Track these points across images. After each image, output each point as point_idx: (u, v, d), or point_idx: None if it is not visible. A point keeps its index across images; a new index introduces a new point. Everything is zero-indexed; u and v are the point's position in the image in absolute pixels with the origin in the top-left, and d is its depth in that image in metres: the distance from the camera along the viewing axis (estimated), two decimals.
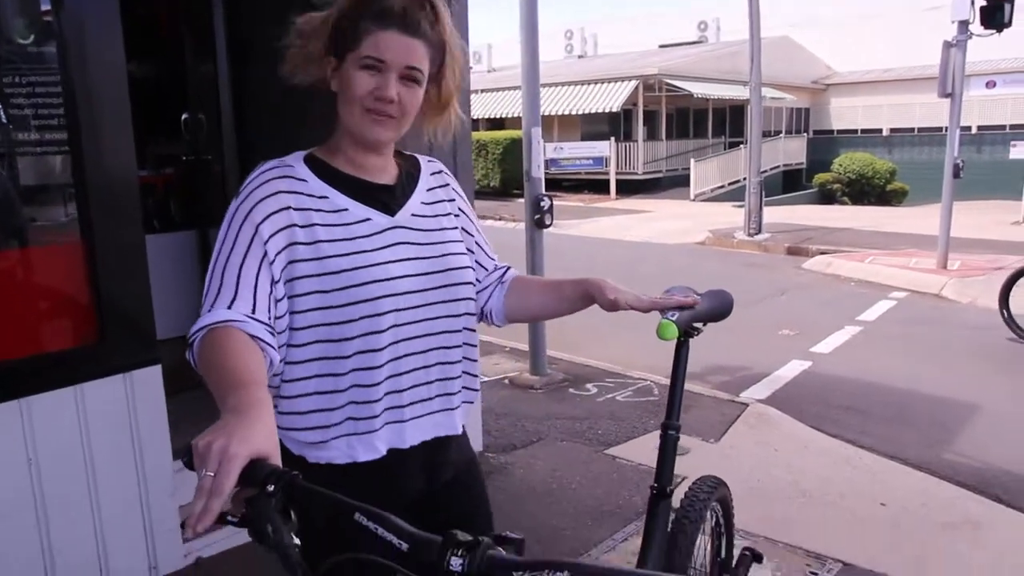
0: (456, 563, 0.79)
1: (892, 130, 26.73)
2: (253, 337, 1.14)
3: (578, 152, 22.27)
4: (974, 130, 24.12)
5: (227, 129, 3.88)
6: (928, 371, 5.64)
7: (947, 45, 8.78)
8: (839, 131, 27.94)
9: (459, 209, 1.47)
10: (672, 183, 21.99)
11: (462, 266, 1.38)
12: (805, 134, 27.33)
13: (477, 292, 1.47)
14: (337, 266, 1.25)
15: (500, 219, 16.04)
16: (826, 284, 9.25)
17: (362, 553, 0.87)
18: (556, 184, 21.75)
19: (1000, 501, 3.53)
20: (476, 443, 3.90)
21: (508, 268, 1.55)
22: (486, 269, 1.51)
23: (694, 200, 20.12)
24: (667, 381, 5.25)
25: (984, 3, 8.38)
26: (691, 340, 1.61)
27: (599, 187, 21.65)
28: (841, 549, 2.95)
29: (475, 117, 22.04)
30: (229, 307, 1.17)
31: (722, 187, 21.11)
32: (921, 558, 2.93)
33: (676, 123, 24.16)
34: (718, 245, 12.74)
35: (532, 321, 1.65)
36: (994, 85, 24.43)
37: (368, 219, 1.30)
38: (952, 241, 9.38)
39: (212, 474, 0.82)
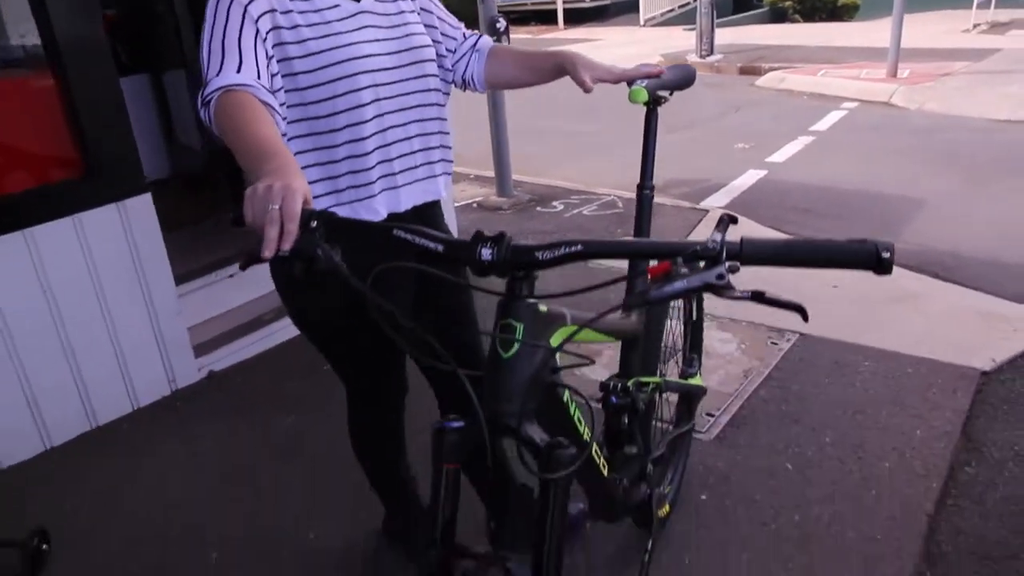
0: (486, 253, 0.94)
1: None
2: (264, 103, 1.23)
3: None
4: None
5: None
6: (876, 173, 5.90)
7: None
8: None
9: None
10: (621, 9, 21.30)
11: (424, 44, 1.51)
12: None
13: (454, 63, 1.60)
14: (318, 47, 1.36)
15: None
16: (779, 99, 9.35)
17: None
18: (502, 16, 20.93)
19: (938, 277, 3.86)
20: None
21: (480, 36, 1.64)
22: (455, 39, 1.61)
23: (644, 25, 19.61)
24: (629, 195, 5.43)
25: None
26: (658, 110, 1.73)
27: (546, 17, 20.90)
28: (798, 322, 3.25)
29: None
30: (238, 71, 1.25)
31: (672, 11, 20.54)
32: (868, 325, 3.25)
33: None
34: None
35: (509, 88, 1.77)
36: None
37: (336, 5, 1.41)
38: (903, 51, 9.44)
39: (278, 206, 0.93)
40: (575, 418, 1.27)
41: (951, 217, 4.83)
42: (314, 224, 0.96)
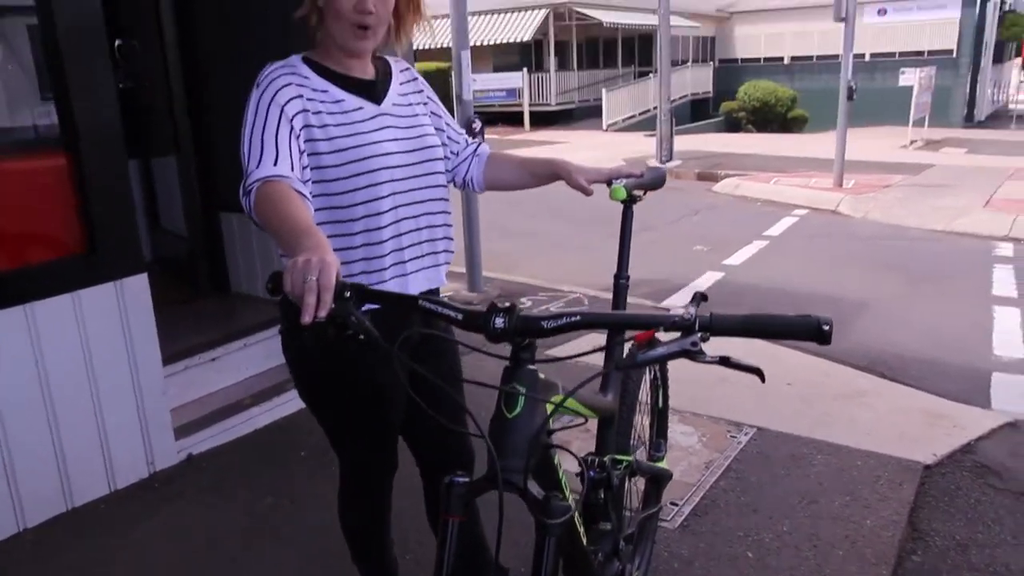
0: (499, 322, 1.08)
1: (793, 58, 27.65)
2: (297, 192, 1.40)
3: (491, 84, 22.22)
4: (867, 57, 25.25)
5: (171, 54, 3.93)
6: (825, 276, 6.26)
7: None
8: (743, 60, 28.71)
9: (427, 98, 1.79)
10: (585, 114, 22.30)
11: (435, 144, 1.70)
12: (711, 63, 27.99)
13: (455, 165, 1.83)
14: (344, 144, 1.54)
15: None
16: (735, 204, 9.86)
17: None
18: None
19: (884, 376, 4.10)
20: None
21: (481, 143, 1.88)
22: (459, 143, 1.84)
23: (607, 130, 20.52)
24: (595, 293, 5.65)
25: None
26: (634, 207, 1.92)
27: (513, 119, 21.75)
28: (756, 417, 3.44)
29: None
30: (275, 165, 1.42)
31: (633, 117, 21.56)
32: (820, 420, 3.45)
33: (587, 53, 24.35)
34: None
35: (506, 190, 1.97)
36: (885, 12, 25.56)
37: (361, 107, 1.59)
38: (847, 163, 10.11)
39: (315, 278, 1.04)
40: (562, 482, 1.39)
41: (895, 320, 5.14)
42: (347, 294, 1.08)
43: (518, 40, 21.24)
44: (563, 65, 23.07)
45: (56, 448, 2.62)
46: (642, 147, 15.30)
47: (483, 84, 22.23)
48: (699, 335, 1.03)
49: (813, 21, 25.39)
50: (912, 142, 15.89)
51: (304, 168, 1.50)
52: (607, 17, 21.52)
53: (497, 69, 23.08)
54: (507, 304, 1.09)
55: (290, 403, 3.31)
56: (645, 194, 1.92)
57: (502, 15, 21.88)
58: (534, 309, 5.27)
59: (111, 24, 4.29)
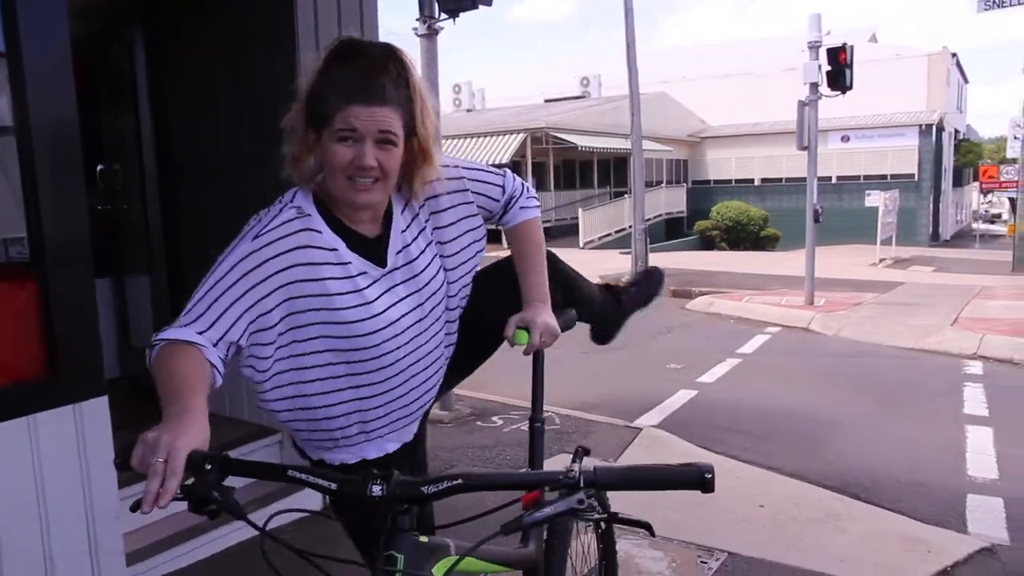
0: (376, 489, 1.04)
1: (763, 180, 28.79)
2: (208, 361, 1.26)
3: None
4: (834, 180, 26.35)
5: (150, 178, 4.04)
6: (798, 394, 6.29)
7: (801, 104, 9.84)
8: (715, 181, 29.86)
9: (461, 200, 1.57)
10: (562, 232, 22.83)
11: (439, 286, 1.54)
12: (684, 184, 29.06)
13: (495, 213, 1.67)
14: (344, 317, 1.39)
15: None
16: (708, 322, 9.99)
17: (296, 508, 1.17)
18: None
19: (859, 498, 4.05)
20: None
21: (510, 210, 1.68)
22: (497, 205, 1.67)
23: (583, 248, 20.97)
24: (567, 411, 5.61)
25: (828, 69, 9.50)
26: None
27: (491, 237, 21.98)
28: (727, 542, 3.37)
29: None
30: (200, 333, 1.28)
31: (609, 235, 22.13)
32: (793, 544, 3.38)
33: (563, 174, 25.22)
34: None
35: None
36: (848, 139, 26.89)
37: (365, 272, 1.42)
38: (818, 281, 10.36)
39: (163, 460, 1.02)
40: None
41: (868, 439, 5.13)
42: (208, 467, 1.04)
43: (498, 162, 21.99)
44: (541, 185, 23.80)
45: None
46: (617, 264, 15.59)
47: None
48: (583, 492, 1.02)
49: (780, 146, 26.58)
50: (881, 260, 16.38)
51: (263, 345, 1.36)
52: (582, 141, 22.42)
53: None
54: (383, 471, 1.05)
55: (247, 529, 3.20)
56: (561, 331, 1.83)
57: (481, 138, 22.75)
58: (506, 428, 5.25)
59: (95, 149, 4.46)
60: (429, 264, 1.52)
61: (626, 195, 21.96)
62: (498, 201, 1.66)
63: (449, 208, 1.56)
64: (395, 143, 1.36)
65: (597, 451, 4.61)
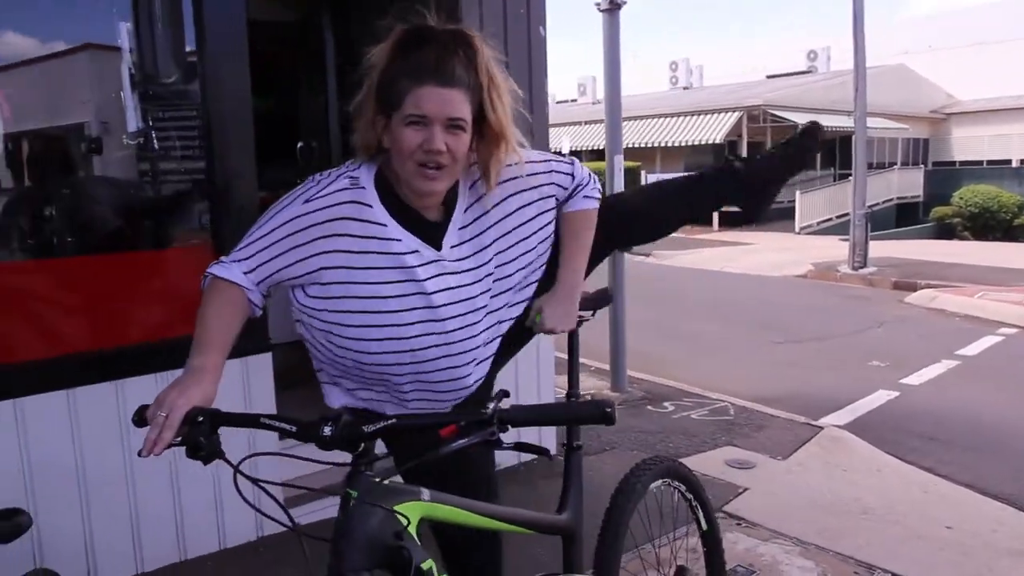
0: (326, 430, 1.14)
1: (1023, 161, 25.28)
2: (249, 300, 1.41)
3: None
4: None
5: (336, 154, 4.34)
6: None
7: None
8: (962, 163, 26.66)
9: (535, 198, 1.55)
10: (777, 215, 21.50)
11: (486, 288, 1.52)
12: (923, 166, 26.23)
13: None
14: (380, 292, 1.41)
15: None
16: (928, 318, 8.98)
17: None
18: None
19: None
20: (550, 445, 4.15)
21: (572, 197, 1.64)
22: (566, 189, 1.64)
23: (799, 233, 19.71)
24: (744, 402, 5.32)
25: None
26: (582, 327, 1.80)
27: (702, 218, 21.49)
28: (893, 561, 3.02)
29: (579, 148, 22.43)
30: (246, 273, 1.40)
31: (829, 220, 20.59)
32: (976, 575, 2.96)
33: None
34: (820, 278, 12.49)
35: None
36: None
37: (417, 251, 1.43)
38: None
39: (164, 415, 1.20)
40: None
41: None
42: (200, 419, 1.21)
43: (711, 141, 21.20)
44: None
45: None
46: (835, 251, 14.48)
47: None
48: (496, 426, 1.16)
49: None
50: None
51: (294, 288, 1.46)
52: (802, 119, 20.86)
53: (689, 169, 23.03)
54: (336, 414, 1.16)
55: None
56: (594, 314, 1.82)
57: (695, 117, 22.03)
58: (675, 414, 5.08)
59: (297, 128, 4.88)
60: (486, 264, 1.51)
61: (851, 177, 20.26)
62: (566, 189, 1.63)
63: (532, 203, 1.57)
64: (464, 128, 1.36)
65: (767, 447, 4.34)
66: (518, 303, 1.63)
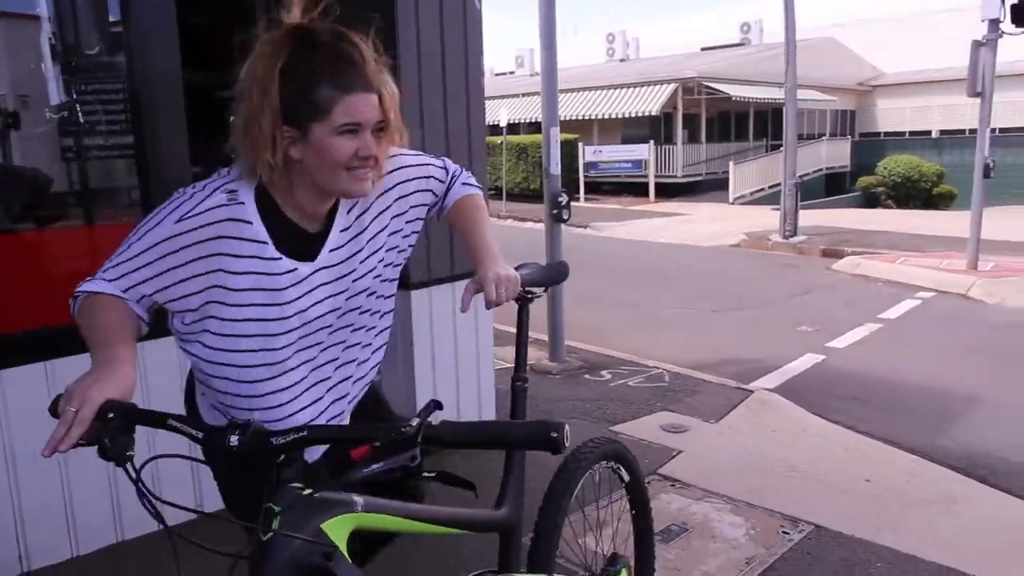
0: (233, 439, 1.06)
1: (942, 132, 26.26)
2: (134, 313, 1.30)
3: (617, 155, 22.44)
4: None
5: None
6: (938, 366, 5.79)
7: (976, 44, 8.84)
8: (886, 133, 27.57)
9: (404, 193, 1.52)
10: (711, 186, 22.00)
11: (367, 285, 1.48)
12: (850, 137, 27.04)
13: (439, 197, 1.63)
14: (257, 315, 1.35)
15: (539, 221, 16.30)
16: (853, 284, 9.36)
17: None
18: (596, 187, 21.97)
19: (985, 482, 3.71)
20: (488, 416, 4.22)
21: (453, 185, 1.64)
22: (443, 183, 1.64)
23: (733, 203, 20.14)
24: (679, 369, 5.47)
25: (1014, 1, 8.42)
26: (533, 304, 1.80)
27: (638, 190, 21.79)
28: (816, 514, 3.19)
29: (516, 121, 22.38)
30: (124, 291, 1.29)
31: (762, 190, 21.07)
32: (891, 523, 3.15)
33: (717, 126, 24.17)
34: (752, 247, 12.85)
35: None
36: None
37: (293, 270, 1.36)
38: (991, 244, 9.40)
39: (75, 410, 1.08)
40: None
41: (1012, 420, 4.67)
42: (111, 415, 1.09)
43: (646, 113, 21.41)
44: (692, 137, 22.97)
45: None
46: (767, 221, 14.89)
47: (609, 155, 22.51)
48: (417, 450, 1.01)
49: (964, 95, 24.09)
50: None
51: (152, 305, 1.34)
52: (736, 91, 21.35)
53: (626, 141, 23.28)
54: (244, 421, 1.07)
55: None
56: (546, 291, 1.80)
57: (632, 89, 22.19)
58: (613, 382, 5.21)
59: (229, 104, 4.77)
60: (363, 262, 1.46)
61: (782, 148, 20.78)
62: (443, 182, 1.63)
63: (414, 192, 1.55)
64: (384, 128, 1.35)
65: (699, 410, 4.50)
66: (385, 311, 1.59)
